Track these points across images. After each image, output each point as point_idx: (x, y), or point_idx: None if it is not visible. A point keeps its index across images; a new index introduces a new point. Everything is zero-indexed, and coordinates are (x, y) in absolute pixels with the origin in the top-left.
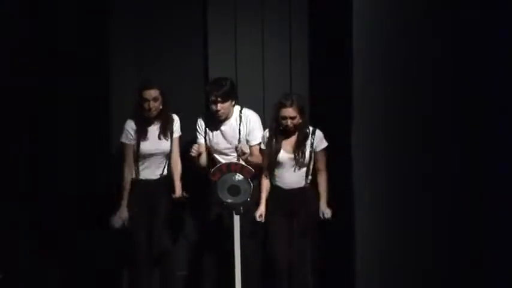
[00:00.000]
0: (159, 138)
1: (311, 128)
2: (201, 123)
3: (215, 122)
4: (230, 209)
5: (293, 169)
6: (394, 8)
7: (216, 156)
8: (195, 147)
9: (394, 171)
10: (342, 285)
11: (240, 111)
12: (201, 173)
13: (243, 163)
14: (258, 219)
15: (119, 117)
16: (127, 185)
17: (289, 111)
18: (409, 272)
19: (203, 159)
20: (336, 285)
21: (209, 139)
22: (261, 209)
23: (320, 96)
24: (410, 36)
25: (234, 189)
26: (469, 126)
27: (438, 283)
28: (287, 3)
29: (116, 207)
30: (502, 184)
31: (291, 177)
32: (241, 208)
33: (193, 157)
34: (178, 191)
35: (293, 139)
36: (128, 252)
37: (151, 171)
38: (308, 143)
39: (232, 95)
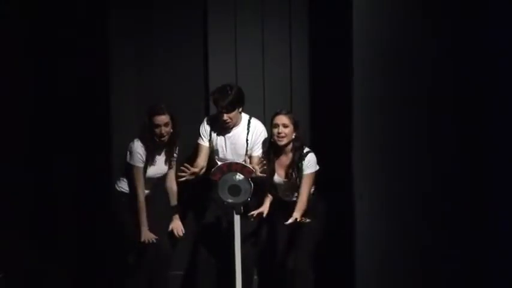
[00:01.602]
0: (165, 164)
1: (306, 150)
2: (206, 127)
3: (221, 128)
4: (230, 209)
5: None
6: (394, 8)
7: (217, 161)
8: (189, 171)
9: (394, 171)
10: (342, 285)
11: (249, 121)
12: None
13: (244, 163)
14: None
15: (119, 117)
16: (143, 205)
17: (282, 118)
18: (409, 272)
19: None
20: (336, 285)
21: (214, 144)
22: (257, 210)
23: (320, 96)
24: (410, 36)
25: (235, 189)
26: (469, 126)
27: (438, 283)
28: (287, 3)
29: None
30: (502, 184)
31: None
32: (242, 208)
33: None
34: (179, 229)
35: (286, 161)
36: (128, 253)
37: (150, 190)
38: (299, 165)
39: (239, 103)
